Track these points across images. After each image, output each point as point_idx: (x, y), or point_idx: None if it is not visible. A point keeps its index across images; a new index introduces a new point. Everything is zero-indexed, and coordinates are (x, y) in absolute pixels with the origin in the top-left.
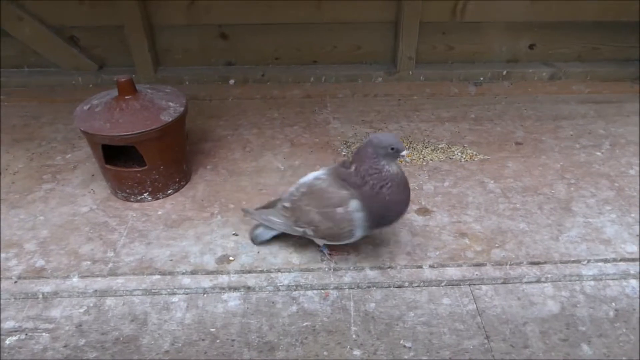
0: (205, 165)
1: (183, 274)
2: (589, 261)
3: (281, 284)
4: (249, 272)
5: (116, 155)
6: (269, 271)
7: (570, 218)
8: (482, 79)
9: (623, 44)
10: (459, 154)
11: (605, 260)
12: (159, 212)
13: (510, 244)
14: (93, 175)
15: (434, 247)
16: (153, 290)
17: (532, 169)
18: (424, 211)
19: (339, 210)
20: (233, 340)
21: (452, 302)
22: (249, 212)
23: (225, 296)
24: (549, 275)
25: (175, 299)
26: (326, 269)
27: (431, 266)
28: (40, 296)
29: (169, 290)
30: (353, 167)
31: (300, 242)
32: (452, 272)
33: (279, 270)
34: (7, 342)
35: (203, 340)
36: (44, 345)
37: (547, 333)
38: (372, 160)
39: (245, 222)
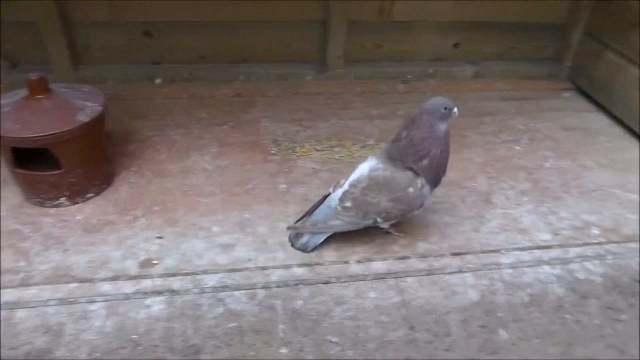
0: (129, 167)
1: (103, 280)
2: (507, 250)
3: (207, 286)
4: (174, 275)
5: (31, 159)
6: (194, 273)
7: (490, 210)
8: (410, 77)
9: (539, 43)
10: None
11: (522, 249)
12: (78, 217)
13: (434, 236)
14: (4, 180)
15: (361, 242)
16: (70, 300)
17: (456, 164)
18: None
19: (410, 190)
20: (156, 345)
21: (378, 296)
22: (296, 228)
23: (148, 301)
24: (470, 265)
25: (94, 307)
26: (253, 269)
27: (358, 261)
28: None
29: (87, 298)
30: (405, 139)
31: (227, 242)
32: (379, 266)
33: (204, 272)
34: None
35: (124, 347)
36: None
37: (467, 321)
38: (429, 126)
39: (171, 224)
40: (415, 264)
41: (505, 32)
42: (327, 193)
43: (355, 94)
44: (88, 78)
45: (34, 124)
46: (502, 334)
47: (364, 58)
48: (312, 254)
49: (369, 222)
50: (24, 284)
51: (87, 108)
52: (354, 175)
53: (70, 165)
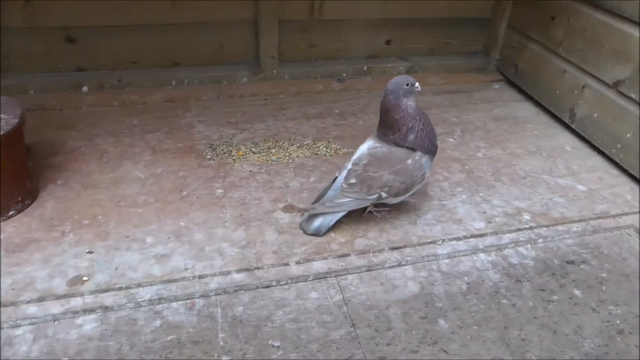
0: (55, 181)
1: (28, 302)
2: (443, 241)
3: (142, 299)
4: (106, 290)
5: None
6: (128, 287)
7: (427, 202)
8: (345, 75)
9: (468, 38)
10: (324, 149)
11: (458, 239)
12: None
13: (373, 232)
14: None
15: (300, 243)
16: None
17: None
18: (290, 208)
19: (409, 162)
20: None
21: (319, 296)
22: (306, 210)
23: (79, 320)
24: (409, 258)
25: (19, 331)
26: (190, 278)
27: (298, 262)
28: None
29: (11, 322)
30: (383, 123)
31: (162, 252)
32: (319, 266)
33: (139, 285)
34: None
35: None
36: None
37: (408, 313)
38: (397, 105)
39: (102, 238)
40: (355, 260)
41: (435, 28)
42: (334, 177)
43: (290, 94)
44: (9, 88)
45: None
46: (442, 323)
47: (298, 58)
48: (252, 260)
49: (373, 197)
50: None
51: (1, 121)
52: (355, 155)
53: None
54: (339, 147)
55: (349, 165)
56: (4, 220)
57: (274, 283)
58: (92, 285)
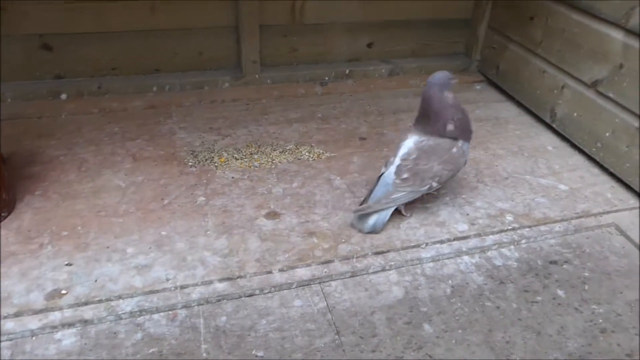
0: (32, 192)
1: (5, 318)
2: (427, 244)
3: (123, 312)
4: (85, 304)
5: None
6: (108, 300)
7: (409, 205)
8: (327, 78)
9: (449, 39)
10: (307, 153)
11: (441, 242)
12: None
13: (356, 237)
14: None
15: (283, 250)
16: None
17: (375, 162)
18: (273, 215)
19: (454, 150)
20: None
21: (303, 303)
22: (363, 209)
23: (58, 335)
24: (393, 263)
25: None
26: (172, 288)
27: (281, 270)
28: None
29: None
30: (426, 115)
31: (143, 263)
32: (302, 273)
33: (120, 297)
34: None
35: None
36: None
37: (392, 319)
38: (440, 98)
39: (81, 249)
40: (339, 267)
41: (416, 30)
42: (380, 174)
43: (273, 98)
44: None
45: None
46: (427, 328)
47: (280, 62)
48: (234, 269)
49: (425, 188)
50: None
51: None
52: (402, 151)
53: None
54: (321, 151)
55: (398, 161)
56: None
57: (257, 292)
58: (71, 299)
